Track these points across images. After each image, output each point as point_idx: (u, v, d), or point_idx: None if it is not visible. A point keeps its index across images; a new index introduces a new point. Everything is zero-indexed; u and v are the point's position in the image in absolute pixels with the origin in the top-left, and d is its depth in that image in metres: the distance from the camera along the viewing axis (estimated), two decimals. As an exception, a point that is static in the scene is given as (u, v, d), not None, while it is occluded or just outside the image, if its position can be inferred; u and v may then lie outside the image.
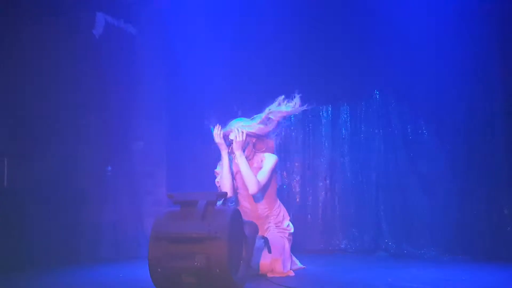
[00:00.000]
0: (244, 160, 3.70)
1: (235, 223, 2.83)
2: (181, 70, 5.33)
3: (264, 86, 5.40)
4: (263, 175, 3.72)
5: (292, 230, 3.87)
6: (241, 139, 3.69)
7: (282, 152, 5.30)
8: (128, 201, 4.95)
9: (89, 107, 4.65)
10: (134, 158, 5.06)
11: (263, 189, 3.78)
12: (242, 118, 3.90)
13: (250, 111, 5.23)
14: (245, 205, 3.83)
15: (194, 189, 4.79)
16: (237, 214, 2.92)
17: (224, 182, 3.76)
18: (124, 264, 4.30)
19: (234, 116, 5.28)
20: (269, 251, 3.59)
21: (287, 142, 5.44)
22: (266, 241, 3.67)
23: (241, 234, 2.97)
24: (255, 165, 3.80)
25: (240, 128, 3.73)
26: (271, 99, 5.32)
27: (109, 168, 4.82)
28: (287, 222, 3.88)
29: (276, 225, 3.81)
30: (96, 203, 4.67)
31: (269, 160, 3.79)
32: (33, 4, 4.18)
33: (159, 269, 2.67)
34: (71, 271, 3.92)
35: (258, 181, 3.68)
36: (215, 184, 5.08)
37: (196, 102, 5.40)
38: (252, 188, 3.67)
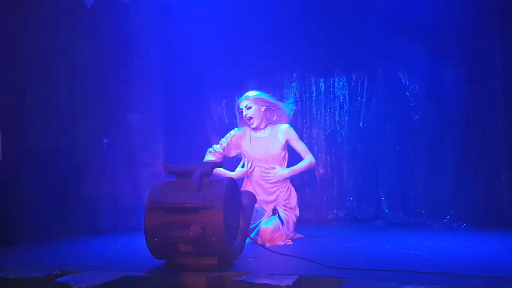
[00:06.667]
0: (295, 171, 3.87)
1: (231, 192, 2.82)
2: (177, 39, 5.22)
3: (265, 58, 5.32)
4: (301, 146, 3.90)
5: (298, 214, 3.90)
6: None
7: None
8: (126, 174, 4.93)
9: (84, 78, 4.60)
10: (131, 130, 5.02)
11: (276, 161, 3.83)
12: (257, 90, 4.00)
13: (247, 84, 5.20)
14: (256, 177, 3.86)
15: (191, 160, 4.80)
16: (233, 184, 2.90)
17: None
18: (122, 235, 4.31)
19: (233, 88, 5.24)
20: (281, 221, 3.63)
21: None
22: (275, 211, 3.70)
23: (238, 204, 2.96)
24: (269, 135, 3.86)
25: (254, 97, 3.86)
26: (270, 72, 5.27)
27: (105, 140, 4.79)
28: (294, 203, 3.88)
29: (284, 203, 3.82)
30: (94, 175, 4.67)
31: (290, 132, 3.89)
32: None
33: (155, 239, 2.67)
34: (70, 242, 3.93)
35: (310, 158, 3.89)
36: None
37: (192, 73, 5.32)
38: (312, 162, 3.91)
